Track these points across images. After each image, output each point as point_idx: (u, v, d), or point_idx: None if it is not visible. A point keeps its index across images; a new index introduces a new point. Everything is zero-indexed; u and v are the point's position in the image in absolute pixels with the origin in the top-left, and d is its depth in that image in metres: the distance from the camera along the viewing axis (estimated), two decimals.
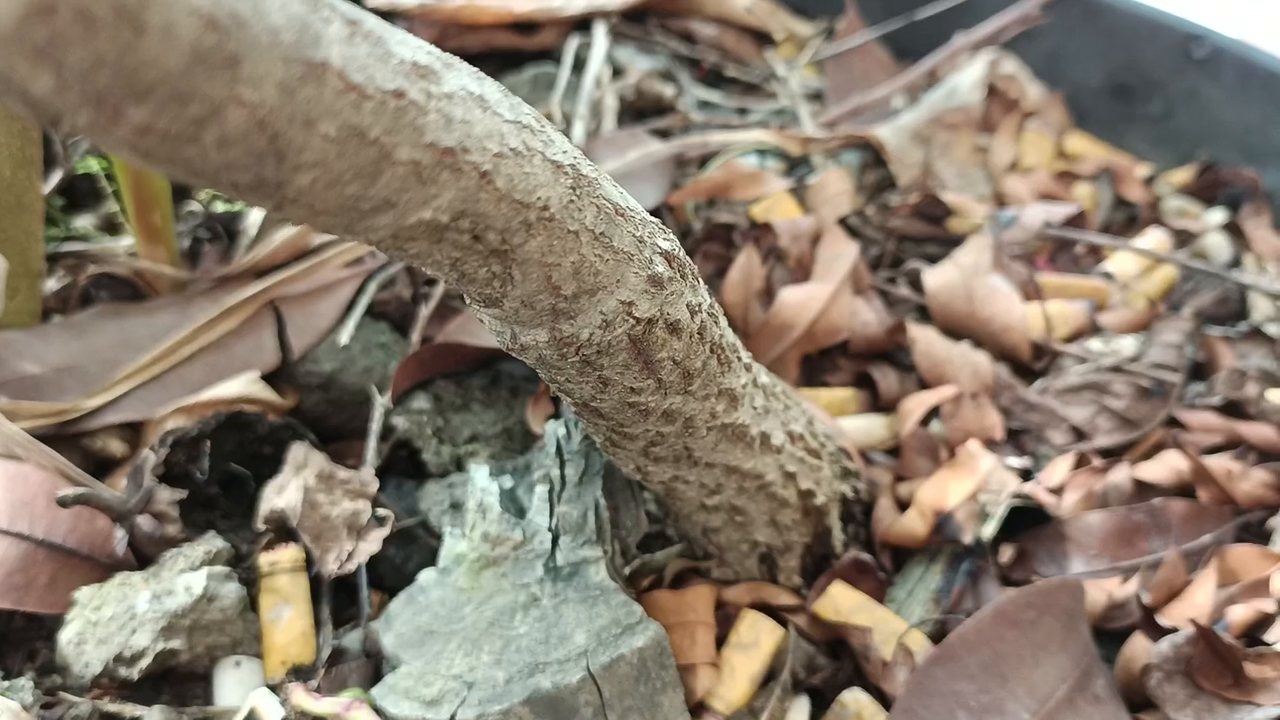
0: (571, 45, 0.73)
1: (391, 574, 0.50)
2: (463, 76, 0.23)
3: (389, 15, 0.73)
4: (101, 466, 0.52)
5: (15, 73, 0.15)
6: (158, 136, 0.17)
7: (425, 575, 0.46)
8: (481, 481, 0.46)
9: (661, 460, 0.40)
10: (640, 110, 0.70)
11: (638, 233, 0.30)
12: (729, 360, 0.37)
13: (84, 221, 0.62)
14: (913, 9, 0.77)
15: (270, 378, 0.54)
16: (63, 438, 0.51)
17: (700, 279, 0.35)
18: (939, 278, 0.57)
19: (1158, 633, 0.45)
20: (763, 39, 0.79)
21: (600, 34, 0.73)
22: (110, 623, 0.44)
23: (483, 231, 0.25)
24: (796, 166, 0.68)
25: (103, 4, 0.14)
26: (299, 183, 0.20)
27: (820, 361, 0.57)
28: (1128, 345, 0.57)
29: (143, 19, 0.15)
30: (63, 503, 0.45)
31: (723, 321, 0.37)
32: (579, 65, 0.72)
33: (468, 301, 0.30)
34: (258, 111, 0.18)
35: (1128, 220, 0.69)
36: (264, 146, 0.18)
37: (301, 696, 0.42)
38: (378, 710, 0.41)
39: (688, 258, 0.33)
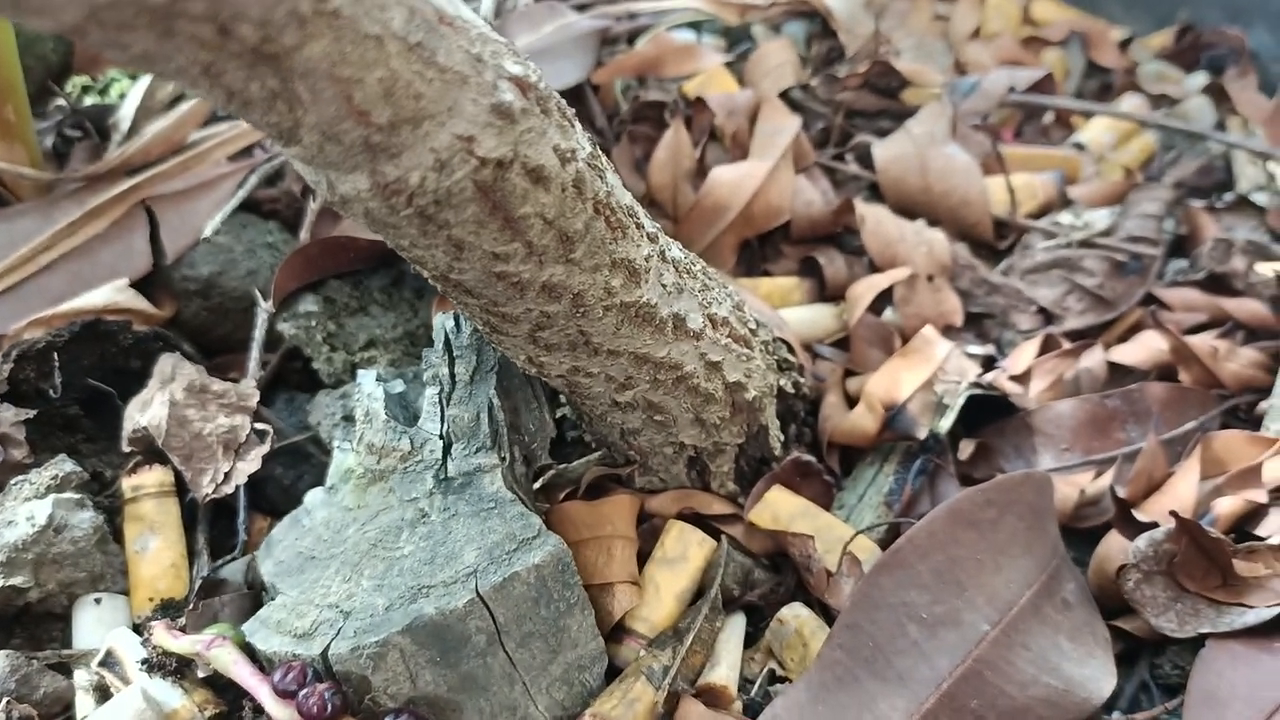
0: None
1: (281, 495, 0.44)
2: None
3: None
4: None
5: None
6: None
7: (311, 496, 0.40)
8: (368, 387, 0.40)
9: (554, 348, 0.34)
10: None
11: (474, 50, 0.24)
12: (622, 224, 0.32)
13: None
14: None
15: (143, 285, 0.48)
16: None
17: (575, 122, 0.29)
18: (890, 150, 0.52)
19: (1135, 529, 0.40)
20: None
21: None
22: None
23: (230, 21, 0.19)
24: (737, 40, 0.61)
25: None
26: None
27: (760, 249, 0.51)
28: (1101, 218, 0.51)
29: None
30: None
31: (612, 179, 0.31)
32: None
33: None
34: None
35: (1101, 88, 0.63)
36: None
37: (161, 634, 0.37)
38: (246, 647, 0.36)
39: (553, 92, 0.27)
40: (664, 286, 0.35)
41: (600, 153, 0.31)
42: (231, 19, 0.19)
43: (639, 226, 0.33)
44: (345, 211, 0.26)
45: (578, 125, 0.29)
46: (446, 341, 0.39)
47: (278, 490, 0.44)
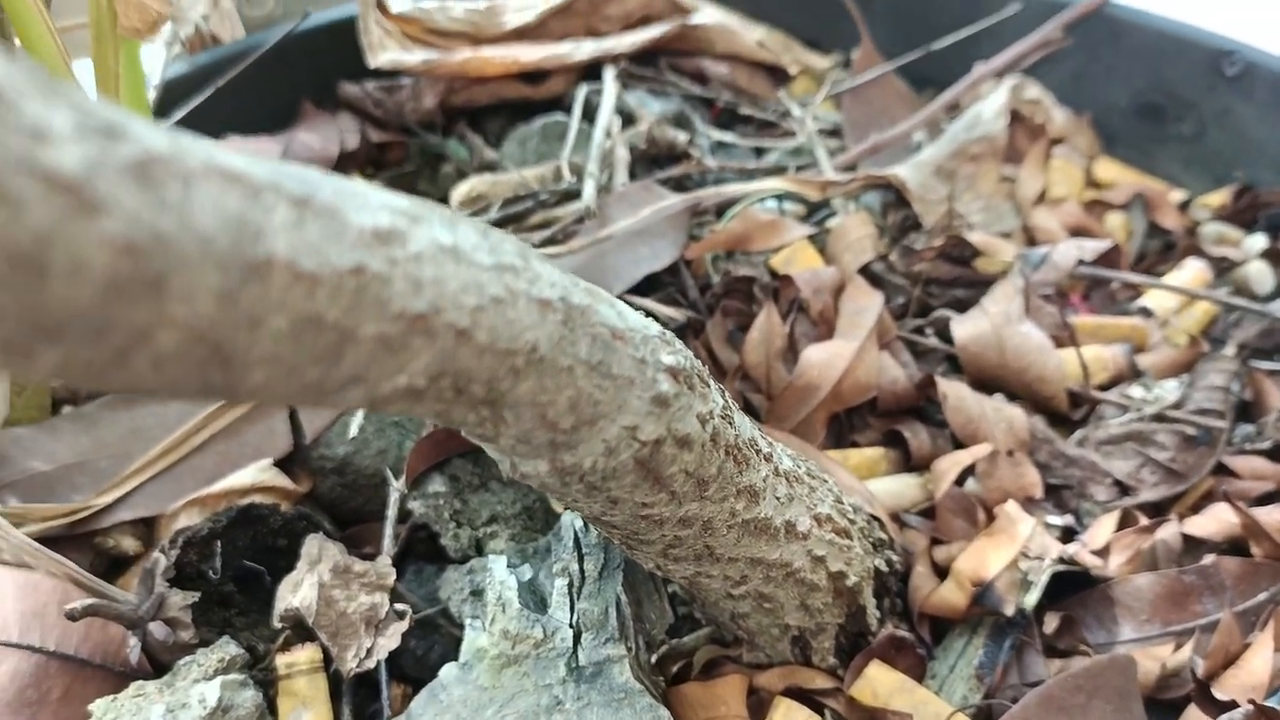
0: (581, 93, 0.71)
1: (414, 665, 0.48)
2: (433, 228, 0.22)
3: (394, 74, 0.71)
4: (115, 564, 0.51)
5: None
6: (80, 368, 0.15)
7: (447, 671, 0.44)
8: (500, 574, 0.44)
9: (682, 559, 0.38)
10: (654, 158, 0.68)
11: (638, 354, 0.28)
12: (746, 458, 0.36)
13: None
14: (929, 39, 0.75)
15: (284, 463, 0.53)
16: (74, 537, 0.50)
17: (711, 382, 0.33)
18: (968, 329, 0.55)
19: (1215, 708, 0.43)
20: (777, 74, 0.77)
21: (610, 80, 0.71)
22: None
23: (465, 385, 0.23)
24: (816, 209, 0.66)
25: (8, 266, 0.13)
26: (253, 380, 0.18)
27: (848, 419, 0.55)
28: (1170, 390, 0.55)
29: (44, 261, 0.14)
30: (71, 616, 0.43)
31: (738, 419, 0.35)
32: (589, 113, 0.71)
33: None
34: (193, 327, 0.16)
35: (1164, 248, 0.66)
36: (206, 356, 0.17)
37: None
38: None
39: (695, 364, 0.31)
40: (778, 499, 0.39)
41: (729, 400, 0.35)
42: (466, 384, 0.23)
43: (758, 452, 0.37)
44: (521, 481, 0.30)
45: (713, 384, 0.33)
46: (576, 540, 0.43)
47: (411, 660, 0.48)
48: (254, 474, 0.52)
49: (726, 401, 0.34)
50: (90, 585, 0.47)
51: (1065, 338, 0.57)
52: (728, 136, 0.72)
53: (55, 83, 0.14)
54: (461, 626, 0.48)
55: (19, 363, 0.14)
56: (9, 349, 0.14)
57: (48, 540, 0.48)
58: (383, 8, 0.68)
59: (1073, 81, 0.73)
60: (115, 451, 0.53)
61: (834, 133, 0.73)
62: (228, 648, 0.45)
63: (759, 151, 0.71)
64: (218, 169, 0.16)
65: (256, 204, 0.17)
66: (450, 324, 0.21)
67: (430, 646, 0.49)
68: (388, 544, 0.50)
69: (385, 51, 0.68)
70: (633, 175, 0.65)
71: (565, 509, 0.33)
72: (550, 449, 0.28)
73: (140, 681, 0.45)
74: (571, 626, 0.42)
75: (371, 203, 0.20)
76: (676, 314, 0.58)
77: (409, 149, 0.71)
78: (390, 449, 0.53)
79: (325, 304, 0.18)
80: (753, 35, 0.77)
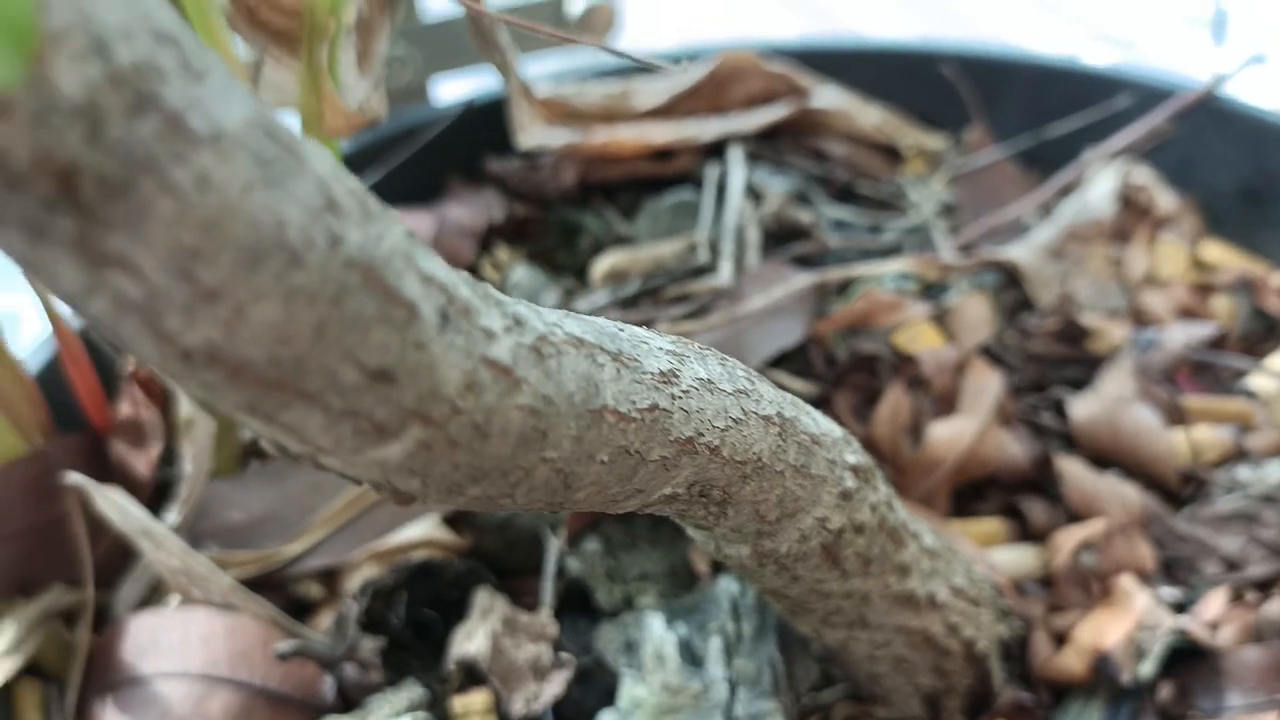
0: (710, 173, 0.76)
1: (573, 711, 0.53)
2: (694, 365, 0.26)
3: (536, 154, 0.77)
4: (301, 609, 0.56)
5: (389, 482, 0.18)
6: (484, 499, 0.20)
7: (605, 718, 0.49)
8: (658, 630, 0.49)
9: (838, 625, 0.42)
10: (780, 236, 0.73)
11: (830, 455, 0.33)
12: (901, 538, 0.40)
13: None
14: (1039, 121, 0.79)
15: (449, 519, 0.58)
16: (266, 583, 0.55)
17: (881, 475, 0.37)
18: (1084, 410, 0.59)
19: None
20: (892, 154, 0.82)
21: (737, 160, 0.76)
22: None
23: (708, 489, 0.28)
24: (933, 286, 0.70)
25: (463, 430, 0.18)
26: (578, 498, 0.23)
27: (970, 491, 0.59)
28: (1275, 471, 0.58)
29: (488, 428, 0.19)
30: (281, 655, 0.49)
31: (896, 504, 0.40)
32: (716, 189, 0.76)
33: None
34: (557, 464, 0.21)
35: (1266, 330, 0.69)
36: (558, 484, 0.22)
37: None
38: None
39: (871, 461, 0.36)
40: (922, 572, 0.43)
41: (891, 490, 0.39)
42: (709, 488, 0.28)
43: (909, 532, 0.42)
44: (721, 561, 0.35)
45: (879, 475, 0.38)
46: (734, 604, 0.47)
47: (571, 707, 0.53)
48: (424, 529, 0.57)
49: (889, 490, 0.39)
50: (289, 627, 0.52)
51: (1175, 417, 0.60)
52: (846, 214, 0.76)
53: (484, 288, 0.19)
54: (616, 676, 0.53)
55: (451, 499, 0.19)
56: (452, 489, 0.19)
57: (245, 585, 0.54)
58: (530, 94, 0.74)
59: (1178, 166, 0.77)
60: (299, 505, 0.58)
61: (948, 210, 0.77)
62: (414, 689, 0.50)
63: (875, 230, 0.76)
64: (571, 338, 0.21)
65: (594, 363, 0.22)
66: (707, 444, 0.26)
67: (586, 693, 0.53)
68: (548, 597, 0.55)
69: (532, 132, 0.74)
70: (762, 253, 0.70)
71: (743, 581, 0.38)
72: (755, 537, 0.32)
73: (334, 716, 0.50)
74: (728, 681, 0.47)
75: (655, 348, 0.25)
76: (805, 387, 0.62)
77: (548, 222, 0.77)
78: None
79: (632, 437, 0.23)
80: (868, 116, 0.82)
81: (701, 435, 0.26)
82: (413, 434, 0.17)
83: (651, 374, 0.24)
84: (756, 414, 0.29)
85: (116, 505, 0.52)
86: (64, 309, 0.58)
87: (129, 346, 0.15)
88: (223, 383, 0.15)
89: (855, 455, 0.35)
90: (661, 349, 0.26)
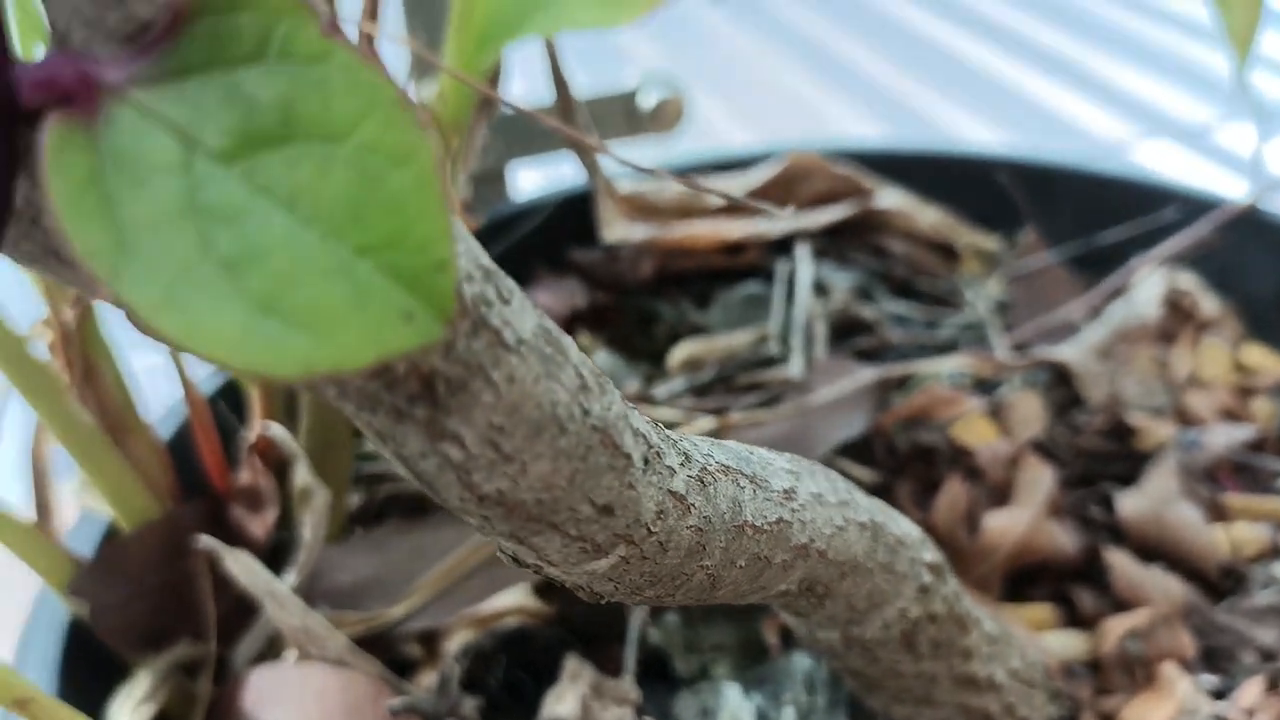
0: (779, 267, 0.82)
1: None
2: (805, 481, 0.32)
3: (616, 245, 0.83)
4: (403, 668, 0.61)
5: (590, 585, 0.23)
6: (652, 598, 0.25)
7: None
8: (735, 699, 0.54)
9: (905, 702, 0.47)
10: (844, 329, 0.78)
11: (911, 554, 0.38)
12: (966, 625, 0.45)
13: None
14: (1089, 227, 0.84)
15: (539, 589, 0.63)
16: (372, 643, 0.60)
17: (951, 570, 0.42)
18: (1131, 506, 0.64)
19: None
20: (948, 253, 0.87)
21: (805, 257, 0.82)
22: None
23: (813, 585, 0.33)
24: (987, 381, 0.75)
25: (652, 547, 0.23)
26: (719, 596, 0.28)
27: (1022, 577, 0.64)
28: None
29: (668, 545, 0.24)
30: (393, 710, 0.54)
31: (963, 595, 0.44)
32: (780, 279, 0.81)
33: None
34: (710, 569, 0.26)
35: None
36: (708, 585, 0.27)
37: None
38: None
39: (944, 559, 0.41)
40: (984, 656, 0.48)
41: (958, 582, 0.44)
42: (813, 584, 0.33)
43: (973, 620, 0.46)
44: (811, 645, 0.40)
45: (949, 570, 0.43)
46: (809, 677, 0.52)
47: None
48: (516, 597, 0.62)
49: (956, 582, 0.44)
50: (396, 685, 0.57)
51: (1216, 515, 0.65)
52: (905, 310, 0.81)
53: (664, 432, 0.25)
54: None
55: (630, 598, 0.25)
56: (634, 591, 0.24)
57: (354, 643, 0.59)
58: (613, 191, 0.80)
59: (1221, 272, 0.81)
60: (402, 571, 0.63)
61: (1001, 307, 0.82)
62: None
63: (931, 325, 0.81)
64: (721, 466, 0.27)
65: (738, 486, 0.27)
66: (817, 548, 0.31)
67: None
68: (630, 664, 0.60)
69: (615, 227, 0.80)
70: (829, 347, 0.75)
71: (821, 659, 0.42)
72: (845, 624, 0.37)
73: None
74: None
75: (778, 468, 0.30)
76: (868, 474, 0.67)
77: (626, 310, 0.82)
78: None
79: (763, 545, 0.28)
80: (927, 216, 0.87)
81: (813, 541, 0.31)
82: (618, 552, 0.22)
83: (777, 491, 0.29)
84: (855, 521, 0.34)
85: (246, 567, 0.57)
86: (196, 374, 0.64)
87: (438, 490, 0.20)
88: (500, 517, 0.20)
89: (931, 554, 0.39)
90: (782, 468, 0.31)
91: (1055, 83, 1.47)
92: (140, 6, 0.14)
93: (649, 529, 0.23)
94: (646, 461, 0.22)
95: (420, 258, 0.15)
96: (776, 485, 0.30)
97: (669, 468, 0.24)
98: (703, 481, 0.25)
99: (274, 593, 0.57)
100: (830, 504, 0.32)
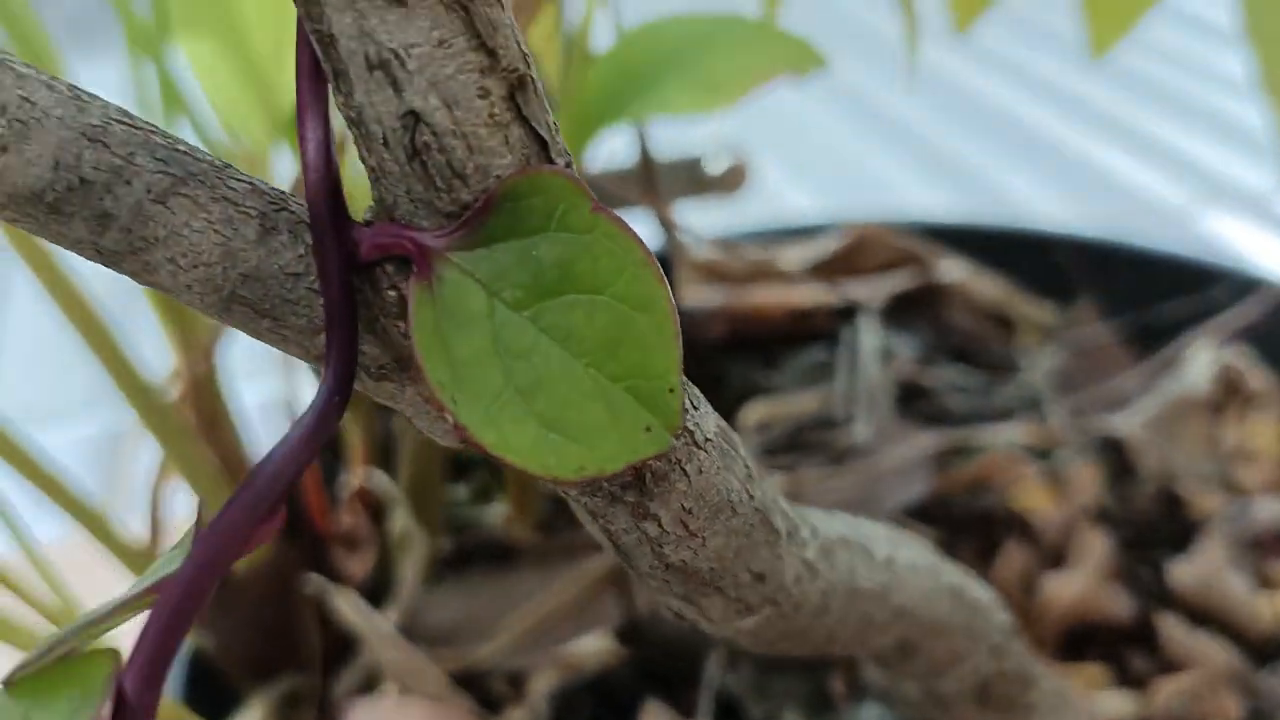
0: (845, 334, 0.86)
1: None
2: (904, 550, 0.36)
3: (691, 309, 0.88)
4: (492, 706, 0.65)
5: (737, 638, 0.28)
6: (780, 650, 0.30)
7: None
8: None
9: None
10: (906, 395, 0.82)
11: (987, 616, 0.42)
12: (1030, 682, 0.48)
13: (461, 491, 0.77)
14: (1144, 301, 0.88)
15: (619, 633, 0.67)
16: (463, 680, 0.65)
17: (1016, 628, 0.46)
18: (1181, 573, 0.67)
19: None
20: (1006, 323, 0.91)
21: (869, 324, 0.86)
22: None
23: (904, 642, 0.37)
24: (1042, 448, 0.79)
25: (789, 607, 0.27)
26: (831, 649, 0.32)
27: (1076, 638, 0.67)
28: None
29: (801, 606, 0.28)
30: None
31: (1027, 655, 0.48)
32: (843, 343, 0.85)
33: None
34: (829, 627, 0.30)
35: None
36: (824, 640, 0.31)
37: None
38: None
39: (1014, 621, 0.45)
40: (1043, 711, 0.51)
41: (1024, 642, 0.48)
42: (905, 642, 0.37)
43: (1035, 677, 0.50)
44: (893, 693, 0.44)
45: (1015, 629, 0.47)
46: None
47: None
48: (596, 640, 0.66)
49: (1022, 642, 0.47)
50: None
51: (1262, 583, 0.68)
52: (964, 378, 0.85)
53: (800, 510, 0.29)
54: None
55: (765, 649, 0.29)
56: (769, 644, 0.28)
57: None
58: (690, 258, 0.85)
59: (1270, 347, 0.85)
60: (490, 613, 0.68)
61: (1056, 378, 0.86)
62: None
63: (990, 392, 0.85)
64: (839, 538, 0.31)
65: (851, 553, 0.31)
66: (911, 610, 0.35)
67: None
68: (705, 707, 0.64)
69: (690, 290, 0.85)
70: (893, 414, 0.79)
71: (893, 709, 0.46)
72: (925, 678, 0.41)
73: None
74: None
75: (880, 537, 0.34)
76: (930, 535, 0.71)
77: (697, 370, 0.87)
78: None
79: (870, 606, 0.33)
80: (985, 287, 0.91)
81: (908, 603, 0.35)
82: (764, 611, 0.27)
83: (881, 559, 0.34)
84: (942, 585, 0.38)
85: (353, 605, 0.62)
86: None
87: (633, 558, 0.25)
88: (679, 582, 0.25)
89: (1003, 616, 0.43)
90: (883, 537, 0.35)
91: (1119, 148, 1.50)
92: (464, 194, 0.19)
93: (789, 592, 0.27)
94: (789, 535, 0.27)
95: (658, 383, 0.20)
96: (879, 553, 0.34)
97: (803, 540, 0.28)
98: (827, 551, 0.29)
99: (377, 630, 0.62)
100: (921, 570, 0.36)
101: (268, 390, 0.96)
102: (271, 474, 0.19)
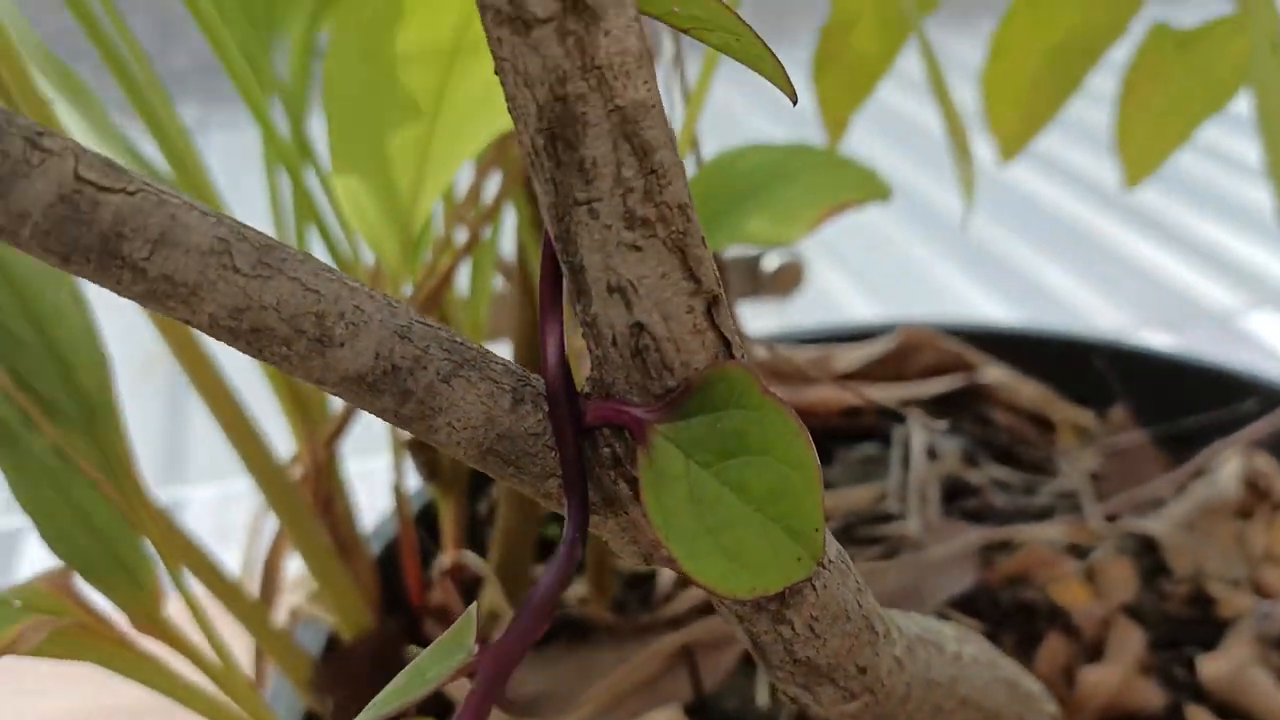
0: (896, 432, 0.92)
1: None
2: (968, 646, 0.42)
3: None
4: None
5: (839, 716, 0.34)
6: None
7: None
8: None
9: None
10: (952, 491, 0.88)
11: (1037, 705, 0.48)
12: None
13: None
14: (1178, 407, 0.94)
15: (688, 708, 0.73)
16: None
17: (1061, 718, 0.52)
18: (1211, 669, 0.72)
19: None
20: (1046, 425, 0.97)
21: (918, 423, 0.92)
22: None
23: (941, 710, 0.43)
24: (1080, 545, 0.84)
25: (881, 695, 0.34)
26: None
27: None
28: None
29: (891, 694, 0.34)
30: None
31: None
32: (888, 439, 0.91)
33: None
34: (909, 711, 0.36)
35: None
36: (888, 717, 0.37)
37: None
38: None
39: (1059, 710, 0.51)
40: None
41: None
42: (941, 710, 0.43)
43: None
44: None
45: (1061, 717, 0.52)
46: None
47: None
48: (666, 714, 0.72)
49: None
50: None
51: None
52: (1006, 475, 0.91)
53: (888, 614, 0.35)
54: None
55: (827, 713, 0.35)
56: (841, 718, 0.35)
57: None
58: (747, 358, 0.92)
59: None
60: (569, 686, 0.74)
61: (1094, 479, 0.92)
62: None
63: (1029, 491, 0.91)
64: (917, 637, 0.37)
65: (926, 649, 0.38)
66: (974, 700, 0.41)
67: None
68: None
69: None
70: (939, 505, 0.85)
71: None
72: None
73: None
74: None
75: (948, 635, 0.41)
76: (974, 626, 0.76)
77: None
78: (770, 706, 0.73)
79: (939, 696, 0.39)
80: (1026, 390, 0.97)
81: (970, 694, 0.41)
82: (864, 699, 0.33)
83: (949, 654, 0.40)
84: (1000, 677, 0.44)
85: None
86: (409, 491, 0.76)
87: (767, 653, 0.31)
88: (802, 674, 0.31)
89: (1051, 705, 0.49)
90: (950, 635, 0.41)
91: (1167, 251, 1.57)
92: (670, 381, 0.26)
93: (883, 683, 0.33)
94: (885, 635, 0.33)
95: (806, 524, 0.26)
96: (949, 649, 0.40)
97: (891, 639, 0.34)
98: (910, 648, 0.35)
99: None
100: (983, 663, 0.42)
101: (369, 464, 1.06)
102: (544, 595, 0.25)
